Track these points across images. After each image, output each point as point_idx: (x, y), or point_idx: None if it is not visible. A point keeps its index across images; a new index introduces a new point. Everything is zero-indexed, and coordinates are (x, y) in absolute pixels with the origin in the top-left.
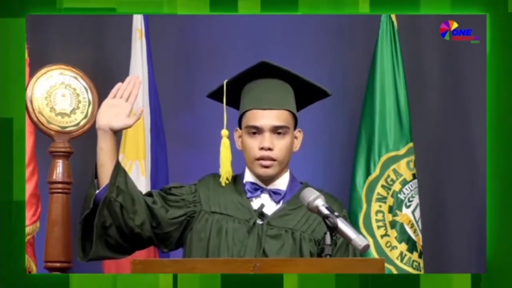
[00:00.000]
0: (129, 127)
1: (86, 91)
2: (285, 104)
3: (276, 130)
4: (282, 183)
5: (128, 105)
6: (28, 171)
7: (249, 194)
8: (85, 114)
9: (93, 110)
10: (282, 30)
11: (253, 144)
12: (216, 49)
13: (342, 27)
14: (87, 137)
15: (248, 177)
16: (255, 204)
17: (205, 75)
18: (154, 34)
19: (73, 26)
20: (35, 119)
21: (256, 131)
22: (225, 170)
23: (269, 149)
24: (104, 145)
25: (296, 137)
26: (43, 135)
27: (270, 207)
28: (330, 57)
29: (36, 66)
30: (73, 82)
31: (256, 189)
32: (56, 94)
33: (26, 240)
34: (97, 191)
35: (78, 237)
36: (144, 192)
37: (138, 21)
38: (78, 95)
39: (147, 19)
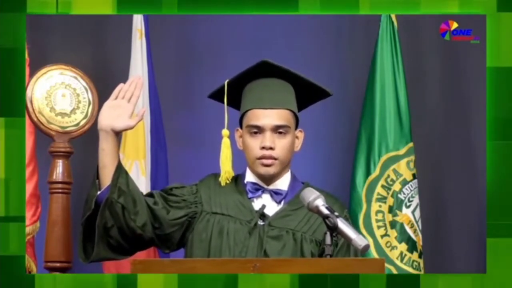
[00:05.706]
0: (131, 128)
1: (86, 91)
2: (286, 104)
3: (277, 130)
4: (283, 183)
5: (130, 106)
6: (28, 171)
7: (250, 195)
8: (85, 114)
9: (93, 110)
10: (282, 30)
11: (254, 144)
12: (216, 49)
13: (342, 27)
14: (87, 137)
15: (249, 177)
16: (256, 204)
17: (205, 75)
18: (154, 34)
19: (73, 26)
20: (35, 119)
21: (257, 130)
22: (225, 170)
23: (271, 148)
24: (106, 146)
25: (297, 137)
26: (43, 135)
27: (271, 207)
28: (330, 57)
29: (36, 66)
30: (73, 82)
31: (257, 189)
32: (56, 94)
33: (26, 240)
34: (99, 192)
35: (80, 239)
36: (144, 192)
37: (138, 21)
38: (78, 95)
39: (147, 19)
